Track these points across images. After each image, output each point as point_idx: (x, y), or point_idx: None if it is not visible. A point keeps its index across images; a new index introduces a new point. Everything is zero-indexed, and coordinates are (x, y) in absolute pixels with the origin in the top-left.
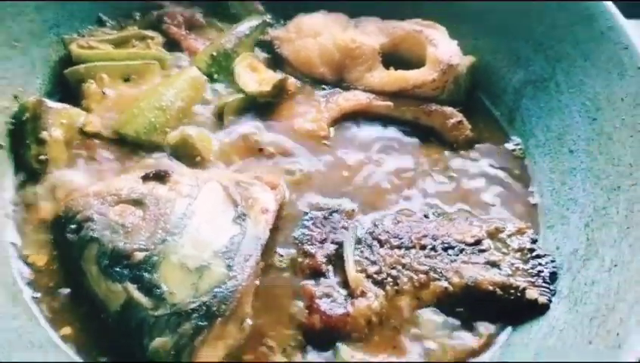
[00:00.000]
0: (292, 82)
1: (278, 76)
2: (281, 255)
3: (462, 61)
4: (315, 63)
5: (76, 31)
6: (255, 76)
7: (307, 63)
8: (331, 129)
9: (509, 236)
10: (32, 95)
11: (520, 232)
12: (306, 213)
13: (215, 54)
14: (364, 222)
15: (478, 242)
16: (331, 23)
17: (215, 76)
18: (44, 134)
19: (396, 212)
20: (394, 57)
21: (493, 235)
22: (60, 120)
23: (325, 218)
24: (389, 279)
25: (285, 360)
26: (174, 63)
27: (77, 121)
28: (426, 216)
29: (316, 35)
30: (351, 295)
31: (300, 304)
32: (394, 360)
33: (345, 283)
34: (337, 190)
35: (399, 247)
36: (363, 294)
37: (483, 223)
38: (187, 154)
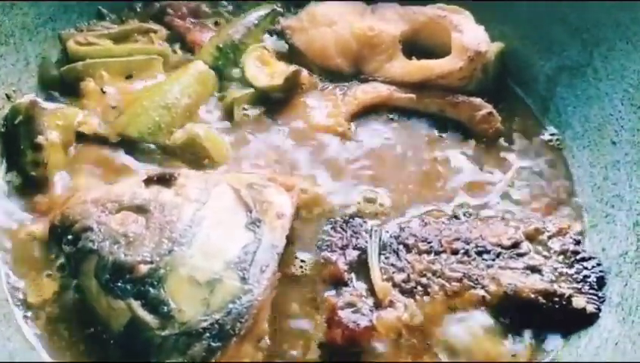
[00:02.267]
0: (305, 74)
1: (290, 68)
2: (302, 262)
3: (490, 48)
4: (331, 54)
5: (74, 25)
6: (265, 69)
7: (322, 54)
8: (351, 125)
9: (550, 237)
10: (26, 95)
11: (561, 233)
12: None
13: (221, 45)
14: (388, 226)
15: (516, 245)
16: (347, 11)
17: (222, 70)
18: (40, 139)
19: (422, 214)
20: (415, 46)
21: (532, 237)
22: (55, 121)
23: (345, 222)
24: (419, 288)
25: None
26: (179, 59)
27: (74, 121)
28: (456, 217)
29: (331, 23)
30: (377, 305)
31: (320, 317)
32: None
33: (371, 292)
34: (358, 191)
35: (428, 252)
36: (391, 304)
37: (520, 223)
38: (195, 155)
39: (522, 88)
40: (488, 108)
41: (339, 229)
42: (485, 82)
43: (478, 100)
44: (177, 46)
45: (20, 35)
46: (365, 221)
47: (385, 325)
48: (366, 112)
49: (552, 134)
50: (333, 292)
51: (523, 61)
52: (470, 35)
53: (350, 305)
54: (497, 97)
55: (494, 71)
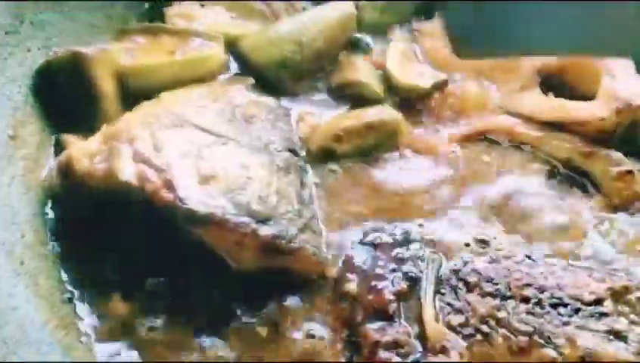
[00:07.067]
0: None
1: (439, 75)
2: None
3: None
4: (456, 66)
5: None
6: (411, 67)
7: (446, 64)
8: (457, 147)
9: None
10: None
11: None
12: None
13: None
14: (449, 256)
15: (598, 302)
16: None
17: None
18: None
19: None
20: (557, 84)
21: (619, 295)
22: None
23: (399, 244)
24: (479, 336)
25: None
26: None
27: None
28: (529, 258)
29: None
30: (427, 349)
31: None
32: None
33: (421, 332)
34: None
35: (493, 295)
36: (444, 350)
37: (607, 276)
38: None
39: None
40: (627, 165)
41: (388, 252)
42: (629, 143)
43: (617, 155)
44: None
45: None
46: (422, 247)
47: None
48: (480, 139)
49: None
50: (374, 325)
51: None
52: (624, 84)
53: (394, 344)
54: None
55: None
